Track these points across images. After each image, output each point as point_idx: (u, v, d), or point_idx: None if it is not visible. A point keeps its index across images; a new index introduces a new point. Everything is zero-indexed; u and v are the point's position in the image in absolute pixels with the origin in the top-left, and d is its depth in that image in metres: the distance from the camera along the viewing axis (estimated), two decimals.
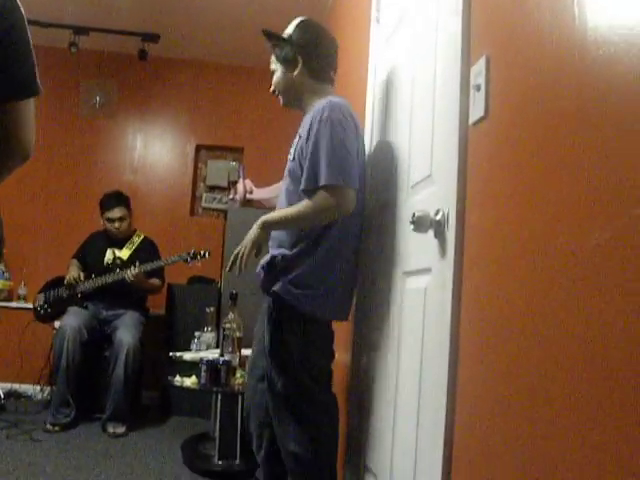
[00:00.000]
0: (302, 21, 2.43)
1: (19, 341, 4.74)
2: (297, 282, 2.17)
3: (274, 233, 2.29)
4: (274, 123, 5.49)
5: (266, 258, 2.28)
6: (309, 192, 2.14)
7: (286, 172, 2.36)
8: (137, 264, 4.20)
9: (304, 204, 2.14)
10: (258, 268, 2.31)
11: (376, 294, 2.36)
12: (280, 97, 2.47)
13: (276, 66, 2.42)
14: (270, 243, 2.32)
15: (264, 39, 2.44)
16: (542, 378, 1.10)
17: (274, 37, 2.41)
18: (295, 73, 2.35)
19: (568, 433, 1.00)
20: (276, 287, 2.19)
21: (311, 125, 2.17)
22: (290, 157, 2.33)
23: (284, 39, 2.38)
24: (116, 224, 4.46)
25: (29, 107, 1.34)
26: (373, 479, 2.21)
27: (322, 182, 2.08)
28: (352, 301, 2.37)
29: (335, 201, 2.08)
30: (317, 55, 2.37)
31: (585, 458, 0.95)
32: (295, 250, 2.20)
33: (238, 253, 2.23)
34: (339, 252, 2.23)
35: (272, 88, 2.47)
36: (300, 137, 2.27)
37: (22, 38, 1.31)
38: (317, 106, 2.21)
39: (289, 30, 2.41)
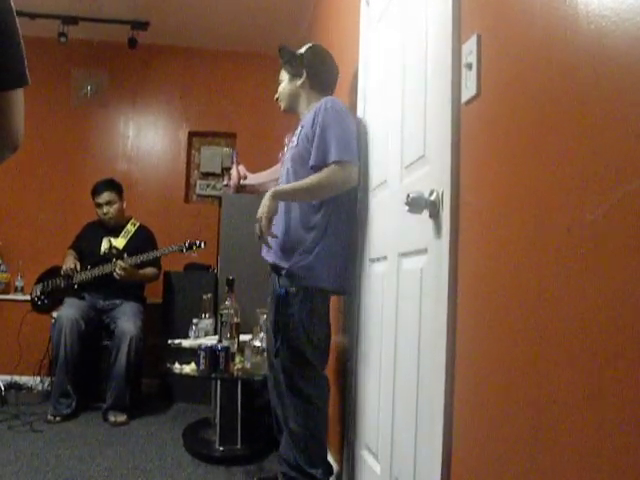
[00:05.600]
0: (314, 45, 2.83)
1: (18, 333, 4.75)
2: (306, 257, 2.40)
3: (292, 214, 2.49)
4: (266, 108, 5.43)
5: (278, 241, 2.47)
6: (317, 168, 2.39)
7: (288, 157, 2.60)
8: (125, 257, 4.20)
9: (315, 176, 2.37)
10: (264, 250, 2.53)
11: (372, 275, 2.36)
12: (281, 103, 2.81)
13: (283, 77, 2.78)
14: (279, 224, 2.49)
15: (278, 54, 2.78)
16: (540, 357, 1.10)
17: (288, 53, 2.75)
18: (299, 83, 2.71)
19: (568, 410, 1.00)
20: (285, 264, 2.42)
21: (315, 114, 2.46)
22: (293, 144, 2.59)
23: (296, 55, 2.73)
24: (104, 209, 4.44)
25: (19, 97, 1.34)
26: (373, 459, 2.22)
27: (332, 158, 2.35)
28: (351, 275, 2.55)
29: (343, 175, 2.37)
30: (320, 72, 2.72)
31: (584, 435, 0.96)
32: (306, 230, 2.43)
33: (259, 230, 2.36)
34: (339, 228, 2.46)
35: (276, 95, 2.83)
36: (303, 127, 2.54)
37: (12, 28, 1.31)
38: (317, 104, 2.51)
39: (301, 50, 2.76)
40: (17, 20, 1.32)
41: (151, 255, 4.26)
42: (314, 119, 2.45)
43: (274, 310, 2.43)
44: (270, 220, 2.34)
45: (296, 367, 2.40)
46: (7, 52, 1.31)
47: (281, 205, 2.45)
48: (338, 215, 2.46)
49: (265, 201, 2.35)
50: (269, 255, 2.50)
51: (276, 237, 2.41)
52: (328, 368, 2.55)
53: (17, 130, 1.35)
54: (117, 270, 4.14)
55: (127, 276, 4.20)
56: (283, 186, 2.45)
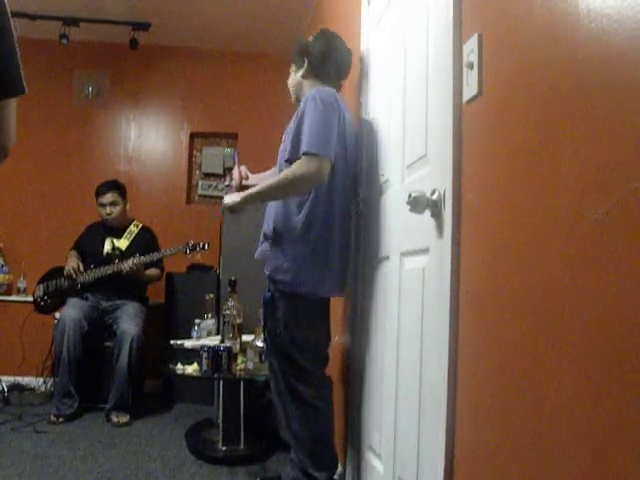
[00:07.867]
0: (320, 31, 2.69)
1: (20, 334, 4.75)
2: (283, 263, 2.33)
3: (276, 218, 2.41)
4: (267, 108, 5.50)
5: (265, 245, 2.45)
6: (292, 162, 2.28)
7: (279, 153, 2.55)
8: (137, 256, 4.21)
9: (283, 173, 2.27)
10: (257, 253, 2.50)
11: (374, 275, 2.36)
12: (291, 95, 2.75)
13: (292, 68, 2.72)
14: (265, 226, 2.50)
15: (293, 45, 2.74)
16: (542, 355, 1.10)
17: (297, 44, 2.69)
18: (300, 73, 2.62)
19: (570, 411, 1.00)
20: (267, 270, 2.39)
21: (300, 106, 2.37)
22: (282, 139, 2.53)
23: (302, 45, 2.65)
24: (107, 209, 4.45)
25: (12, 106, 1.34)
26: (376, 459, 2.22)
27: (302, 149, 2.22)
28: (341, 277, 2.44)
29: (310, 168, 2.20)
30: (322, 60, 2.57)
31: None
32: (280, 232, 2.37)
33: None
34: (323, 231, 2.33)
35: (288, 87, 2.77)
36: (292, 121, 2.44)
37: (7, 38, 1.31)
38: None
39: (310, 39, 2.67)
40: (13, 28, 1.32)
41: (155, 256, 4.27)
42: (299, 111, 2.37)
43: (263, 314, 2.43)
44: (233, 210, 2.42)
45: (289, 370, 2.37)
46: (2, 62, 1.30)
47: (270, 207, 2.47)
48: (322, 216, 2.33)
49: (236, 197, 2.42)
50: (261, 258, 2.48)
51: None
52: (330, 368, 2.55)
53: (9, 137, 1.35)
54: (130, 264, 4.15)
55: (134, 275, 4.23)
56: (253, 188, 2.38)
